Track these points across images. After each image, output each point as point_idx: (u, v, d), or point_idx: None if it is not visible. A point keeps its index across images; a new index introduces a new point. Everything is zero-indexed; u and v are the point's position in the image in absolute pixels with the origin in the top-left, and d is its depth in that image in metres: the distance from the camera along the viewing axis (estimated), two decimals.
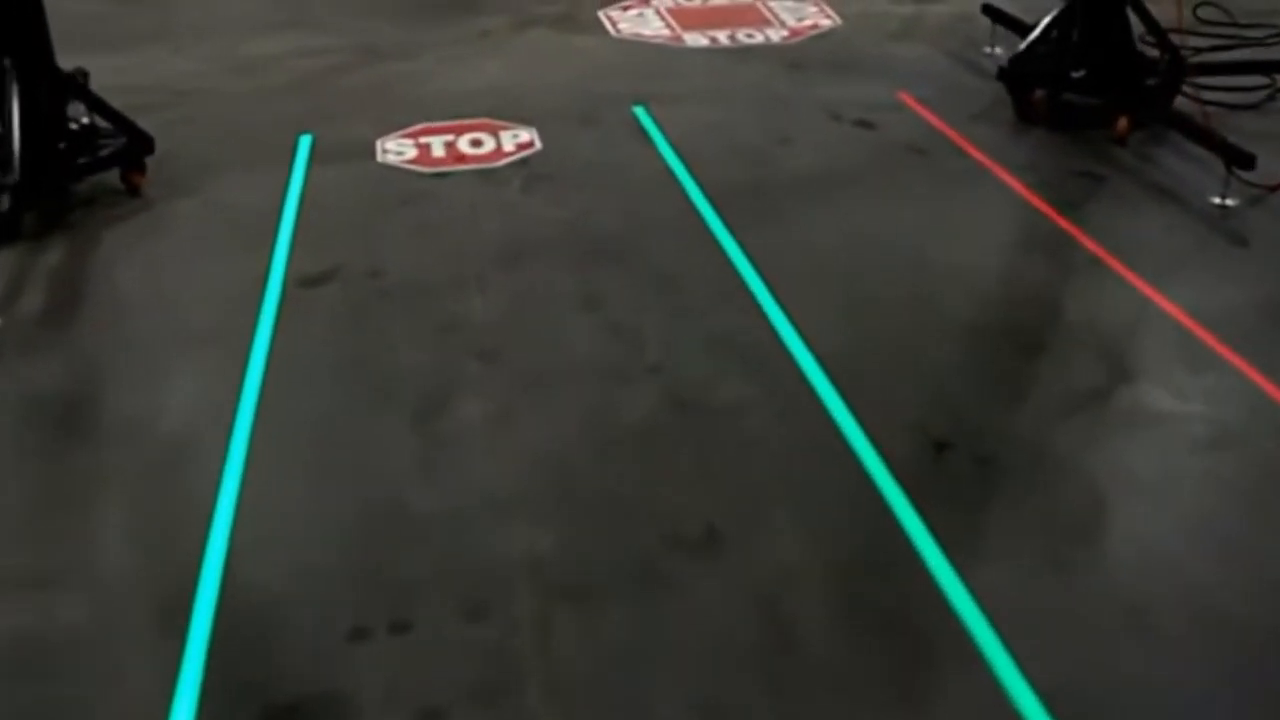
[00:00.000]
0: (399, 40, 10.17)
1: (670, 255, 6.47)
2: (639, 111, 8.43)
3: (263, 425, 5.18)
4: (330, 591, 4.36)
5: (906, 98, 8.65)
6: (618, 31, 10.31)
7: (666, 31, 10.27)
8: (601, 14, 10.72)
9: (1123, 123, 7.86)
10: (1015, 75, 8.30)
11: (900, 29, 10.35)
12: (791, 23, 10.45)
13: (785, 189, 7.27)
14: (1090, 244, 6.56)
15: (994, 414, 5.22)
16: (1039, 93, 8.21)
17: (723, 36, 10.10)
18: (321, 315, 5.98)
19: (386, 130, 8.20)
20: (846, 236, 6.69)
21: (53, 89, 7.28)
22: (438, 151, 7.88)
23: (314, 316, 5.97)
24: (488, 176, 7.49)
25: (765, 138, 8.03)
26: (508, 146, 7.92)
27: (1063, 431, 5.09)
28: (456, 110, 8.53)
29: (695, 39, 10.07)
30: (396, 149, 7.92)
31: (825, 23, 10.47)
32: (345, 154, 7.88)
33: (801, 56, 9.63)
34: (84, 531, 4.67)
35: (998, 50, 9.48)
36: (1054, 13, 8.32)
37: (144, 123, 7.73)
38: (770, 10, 10.75)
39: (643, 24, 10.47)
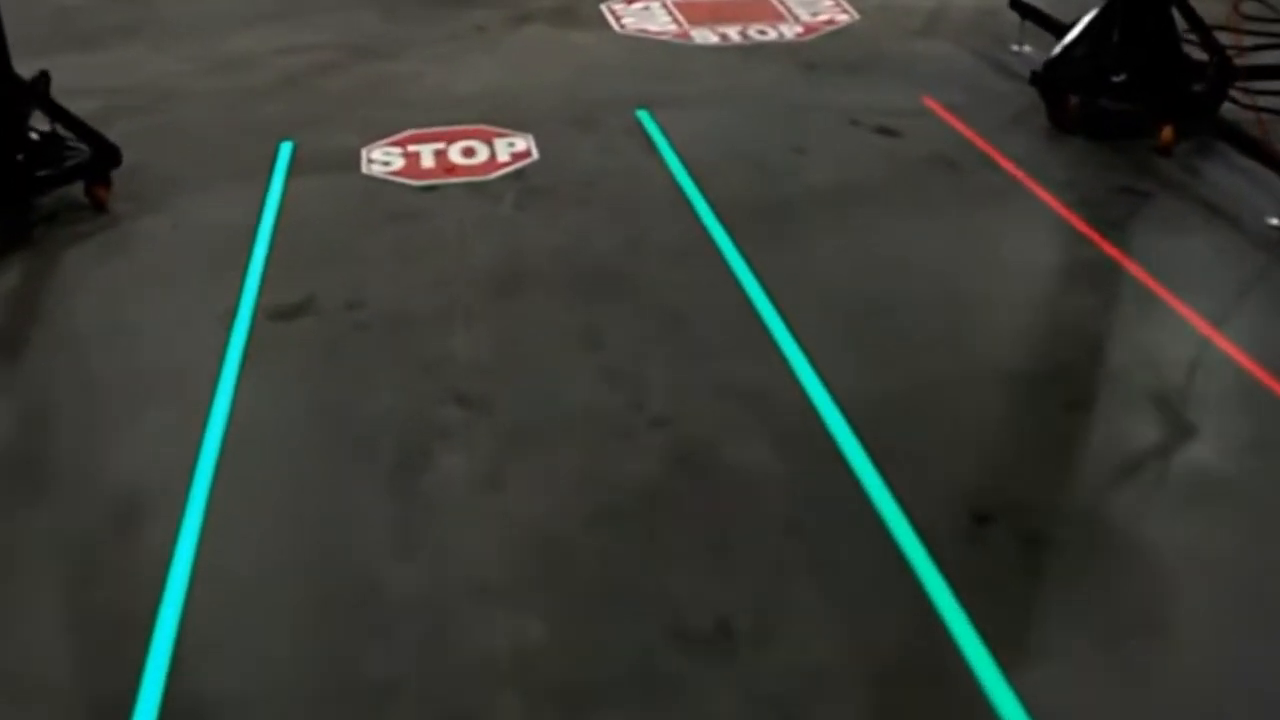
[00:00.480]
0: (389, 36, 9.60)
1: (677, 286, 5.90)
2: (643, 116, 7.86)
3: (222, 487, 4.63)
4: (290, 694, 3.81)
5: (931, 102, 8.07)
6: (621, 27, 9.73)
7: (673, 27, 9.69)
8: (604, 7, 10.13)
9: (1167, 132, 7.27)
10: (1050, 80, 7.71)
11: (922, 25, 9.76)
12: (806, 18, 9.85)
13: (802, 206, 6.70)
14: (1137, 271, 5.99)
15: (1040, 479, 4.65)
16: (1075, 99, 7.63)
17: (733, 33, 9.52)
18: (293, 355, 5.42)
19: (373, 137, 7.63)
20: (871, 263, 6.11)
21: (10, 96, 6.72)
22: (427, 161, 7.31)
23: (285, 356, 5.41)
24: (480, 190, 6.92)
25: (780, 147, 7.45)
26: (502, 156, 7.35)
27: (1118, 500, 4.53)
28: (448, 115, 7.96)
29: (704, 35, 9.48)
30: (383, 159, 7.35)
31: (842, 18, 9.88)
32: (328, 164, 7.31)
33: (817, 55, 9.04)
34: (11, 613, 4.13)
35: (1027, 48, 8.90)
36: (1092, 12, 7.74)
37: (117, 128, 7.19)
38: (784, 4, 10.15)
39: (648, 19, 9.88)
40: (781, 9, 10.04)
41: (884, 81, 8.53)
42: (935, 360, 5.31)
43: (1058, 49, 7.76)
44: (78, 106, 7.06)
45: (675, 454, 4.74)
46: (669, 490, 4.57)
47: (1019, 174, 7.05)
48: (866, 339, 5.46)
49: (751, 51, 9.16)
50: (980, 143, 7.47)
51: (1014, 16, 9.03)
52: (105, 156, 6.88)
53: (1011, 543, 4.32)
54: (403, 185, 7.02)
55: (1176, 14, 7.53)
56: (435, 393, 5.11)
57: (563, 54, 9.14)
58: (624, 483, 4.61)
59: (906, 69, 8.77)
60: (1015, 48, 8.97)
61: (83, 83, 8.43)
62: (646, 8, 10.14)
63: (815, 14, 9.92)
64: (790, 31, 9.57)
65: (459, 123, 7.84)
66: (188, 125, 8.03)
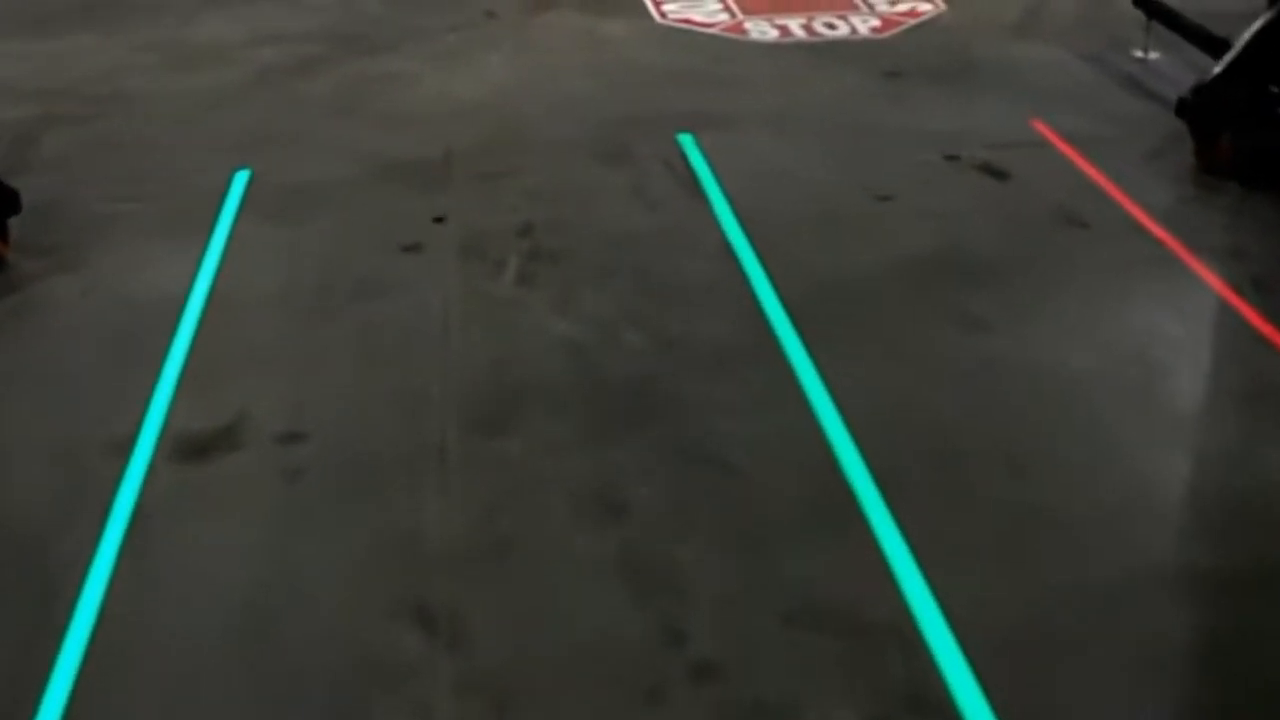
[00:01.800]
0: (387, 23, 8.06)
1: (728, 411, 4.37)
2: (686, 142, 6.31)
3: None
4: None
5: (1044, 129, 6.47)
6: (661, 15, 8.14)
7: (724, 16, 8.09)
8: None
9: None
10: (1201, 112, 6.10)
11: (1021, 20, 8.13)
12: (883, 8, 8.23)
13: (893, 286, 5.13)
14: None
15: None
16: (1228, 137, 6.02)
17: (796, 26, 7.92)
18: (194, 529, 3.90)
19: (350, 167, 6.12)
20: (989, 381, 4.56)
21: None
22: None
23: (183, 530, 3.90)
24: (473, 251, 5.40)
25: (859, 191, 5.89)
26: (505, 199, 5.83)
27: None
28: (445, 134, 6.44)
29: (761, 28, 7.89)
30: None
31: (925, 8, 8.26)
32: (289, 203, 5.81)
33: (899, 59, 7.44)
34: None
35: (1153, 55, 7.30)
36: (1253, 26, 6.12)
37: (45, 143, 5.87)
38: None
39: (694, 5, 8.28)
40: None
41: (983, 97, 6.94)
42: (1095, 562, 3.75)
43: (1215, 71, 6.14)
44: (6, 113, 5.64)
45: None
46: None
47: (1167, 238, 5.47)
48: (995, 516, 3.91)
49: (820, 52, 7.57)
50: (1112, 190, 5.88)
51: (1130, 10, 7.42)
52: (2, 202, 5.43)
53: None
54: (379, 241, 5.51)
55: None
56: (388, 608, 3.58)
57: (589, 51, 7.58)
58: None
59: (1008, 79, 7.18)
60: (1139, 54, 7.37)
61: (19, 79, 7.05)
62: None
63: (894, 4, 8.29)
64: (864, 25, 7.96)
65: (457, 146, 6.31)
66: (129, 141, 6.56)
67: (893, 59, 7.43)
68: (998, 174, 6.06)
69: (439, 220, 5.65)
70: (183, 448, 4.22)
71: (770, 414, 4.37)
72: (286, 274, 5.26)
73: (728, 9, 8.20)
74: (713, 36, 7.81)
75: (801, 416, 4.33)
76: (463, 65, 7.36)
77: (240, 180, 6.02)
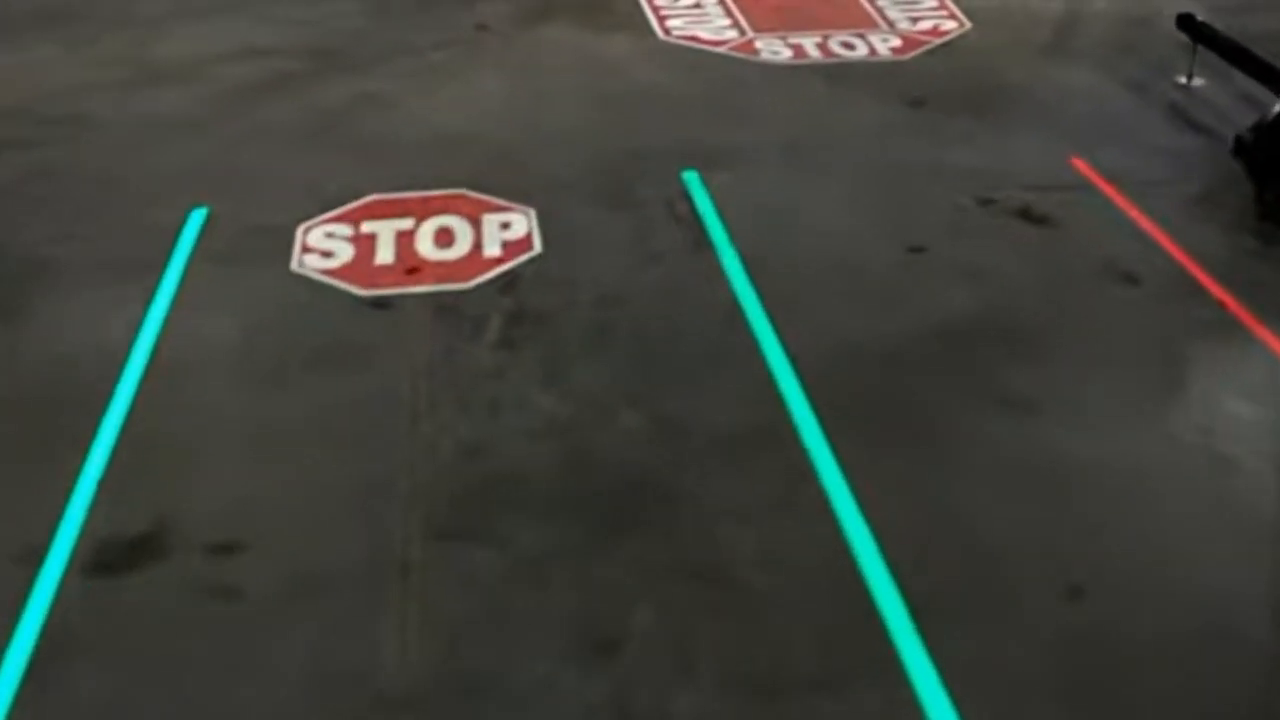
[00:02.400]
0: (369, 38, 7.45)
1: (739, 522, 3.76)
2: (692, 181, 5.71)
3: None
4: None
5: (1084, 166, 5.88)
6: (665, 32, 7.53)
7: (733, 34, 7.48)
8: (645, 1, 7.95)
9: None
10: (1261, 153, 5.50)
11: (1052, 40, 7.53)
12: (904, 26, 7.62)
13: (924, 356, 4.53)
14: None
15: None
16: None
17: (811, 45, 7.31)
18: (105, 662, 3.32)
19: (316, 205, 5.52)
20: (1037, 476, 3.96)
21: None
22: (384, 253, 5.17)
23: (90, 664, 3.31)
24: (453, 310, 4.79)
25: (884, 240, 5.29)
26: (490, 247, 5.21)
27: None
28: (425, 168, 5.83)
29: (773, 47, 7.28)
30: (323, 245, 5.23)
31: (949, 25, 7.65)
32: (246, 251, 5.21)
33: (923, 84, 6.83)
34: None
35: (1197, 82, 6.71)
36: None
37: None
38: (875, 6, 7.91)
39: (700, 20, 7.67)
40: (873, 12, 7.80)
41: (1016, 129, 6.33)
42: (1163, 712, 3.17)
43: (1275, 112, 5.53)
44: None
45: None
46: None
47: (1228, 299, 4.88)
48: (1046, 662, 3.32)
49: (837, 75, 6.96)
50: (1163, 240, 5.29)
51: (1170, 30, 6.85)
52: None
53: None
54: (344, 295, 4.90)
55: None
56: None
57: (587, 73, 6.97)
58: None
59: (1042, 109, 6.58)
60: (1181, 80, 6.78)
61: None
62: (698, 4, 7.94)
63: (916, 22, 7.68)
64: (885, 45, 7.35)
65: (438, 184, 5.71)
66: (78, 171, 5.96)
67: (917, 84, 6.83)
68: (1037, 220, 5.46)
69: (413, 271, 5.05)
70: (100, 560, 3.63)
71: (785, 518, 3.78)
72: (239, 333, 4.66)
73: (737, 25, 7.60)
74: (721, 57, 7.21)
75: (821, 522, 3.74)
76: (448, 87, 6.76)
77: (196, 220, 5.43)
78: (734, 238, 5.24)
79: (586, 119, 6.40)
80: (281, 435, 4.12)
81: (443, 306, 4.80)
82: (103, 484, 3.89)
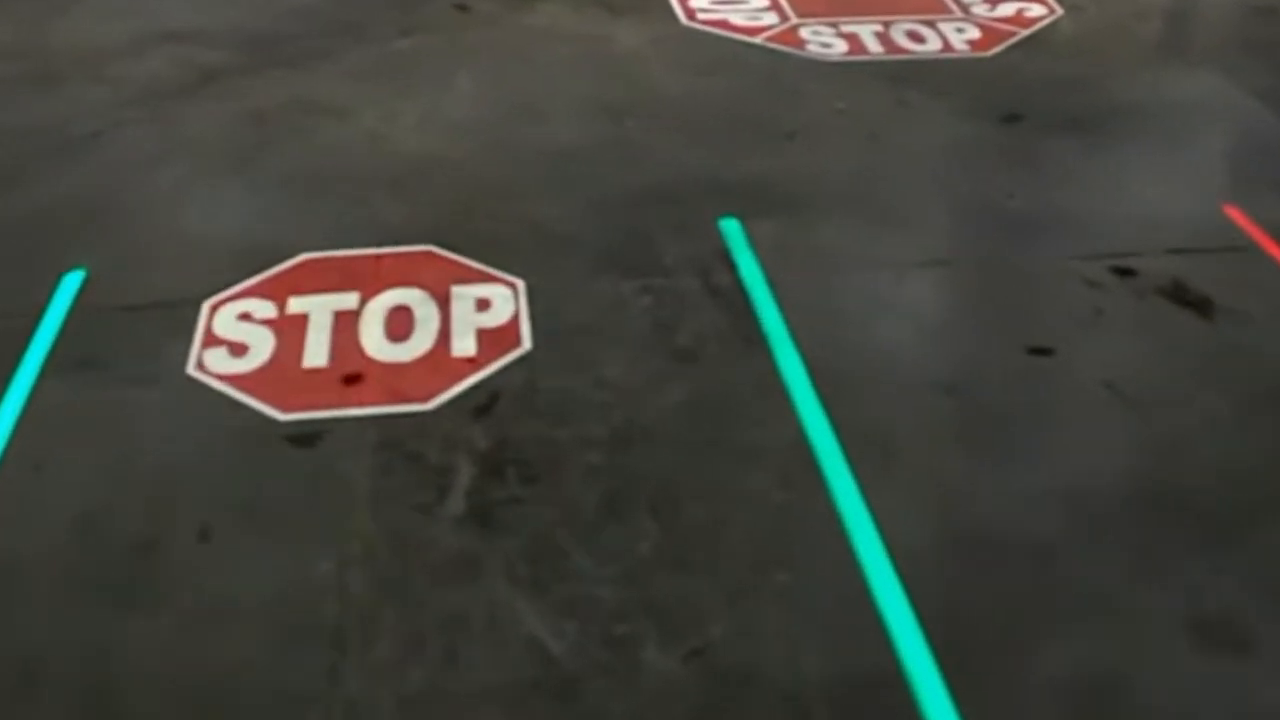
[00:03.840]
0: (317, 20, 5.99)
1: None
2: (732, 232, 4.31)
3: None
4: None
5: (1242, 219, 4.48)
6: (688, 15, 6.08)
7: (772, 18, 6.03)
8: None
9: None
10: None
11: (1163, 35, 6.14)
12: (981, 11, 6.17)
13: (1078, 546, 3.13)
14: None
15: None
16: None
17: (869, 35, 5.86)
18: None
19: (231, 266, 4.11)
20: None
21: None
22: (315, 350, 3.75)
23: None
24: (404, 452, 3.38)
25: (997, 337, 3.88)
26: (462, 341, 3.80)
27: None
28: (379, 209, 4.43)
29: (823, 39, 5.83)
30: (235, 335, 3.82)
31: (1037, 11, 6.19)
32: (129, 344, 3.80)
33: (1015, 93, 5.39)
34: None
35: None
36: None
37: None
38: None
39: (732, 1, 6.22)
40: None
41: (1143, 158, 4.93)
42: None
43: None
44: None
45: None
46: None
47: None
48: None
49: (904, 76, 5.52)
50: None
51: None
52: None
53: None
54: (254, 421, 3.49)
55: None
56: None
57: (591, 72, 5.52)
58: None
59: (1170, 129, 5.17)
60: None
61: None
62: None
63: (994, 5, 6.22)
64: (960, 38, 5.90)
65: (394, 235, 4.29)
66: None
67: (1007, 93, 5.40)
68: (1192, 303, 4.07)
69: (353, 379, 3.65)
70: None
71: None
72: (96, 495, 3.27)
73: (776, 7, 6.16)
74: (759, 49, 5.77)
75: None
76: (414, 90, 5.32)
77: (67, 290, 4.02)
78: (792, 326, 3.85)
79: (590, 138, 4.98)
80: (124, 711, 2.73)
81: (390, 443, 3.40)
82: None
